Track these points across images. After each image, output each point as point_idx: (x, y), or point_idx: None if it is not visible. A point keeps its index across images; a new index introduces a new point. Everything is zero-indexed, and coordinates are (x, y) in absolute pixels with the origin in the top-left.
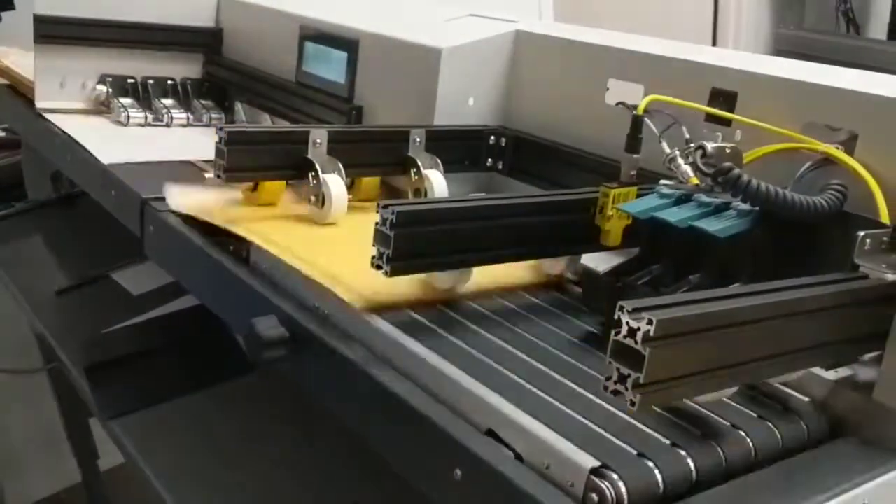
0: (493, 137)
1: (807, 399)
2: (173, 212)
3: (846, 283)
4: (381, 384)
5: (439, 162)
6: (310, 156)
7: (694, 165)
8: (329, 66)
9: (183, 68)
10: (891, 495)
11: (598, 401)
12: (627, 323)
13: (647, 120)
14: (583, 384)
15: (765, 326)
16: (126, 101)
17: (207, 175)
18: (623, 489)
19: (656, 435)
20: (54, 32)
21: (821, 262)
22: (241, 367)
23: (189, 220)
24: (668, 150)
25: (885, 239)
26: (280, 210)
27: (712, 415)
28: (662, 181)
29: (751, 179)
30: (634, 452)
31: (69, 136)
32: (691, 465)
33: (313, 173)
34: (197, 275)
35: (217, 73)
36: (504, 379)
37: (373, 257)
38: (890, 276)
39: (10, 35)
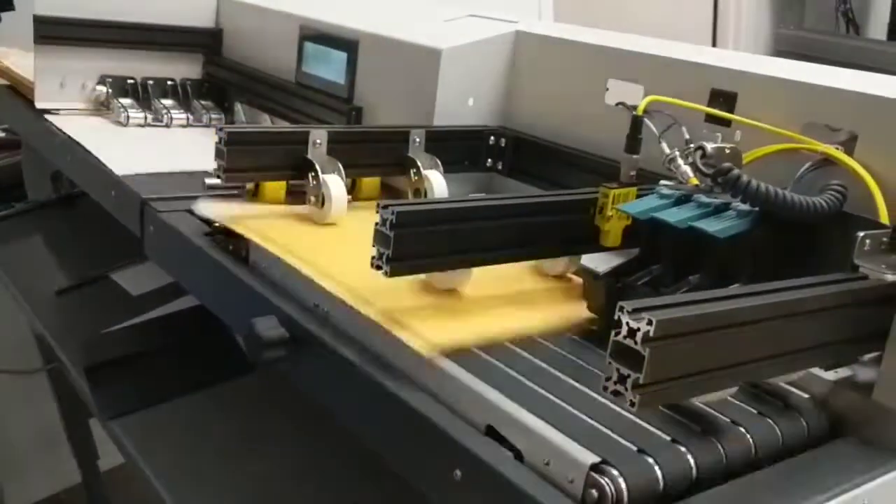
0: (492, 138)
1: (807, 396)
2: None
3: (846, 283)
4: (380, 384)
5: (439, 162)
6: (310, 156)
7: (693, 166)
8: (329, 67)
9: (183, 69)
10: (891, 495)
11: (598, 398)
12: (627, 323)
13: (646, 120)
14: (583, 381)
15: (764, 327)
16: (126, 101)
17: (208, 181)
18: (623, 485)
19: (656, 431)
20: (54, 33)
21: (820, 262)
22: (241, 367)
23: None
24: (667, 150)
25: (884, 239)
26: (312, 227)
27: (712, 411)
28: (662, 182)
29: (750, 180)
30: (634, 449)
31: (79, 144)
32: (691, 461)
33: (313, 174)
34: (197, 275)
35: (217, 74)
36: (503, 376)
37: (372, 257)
38: (889, 277)
39: (10, 35)
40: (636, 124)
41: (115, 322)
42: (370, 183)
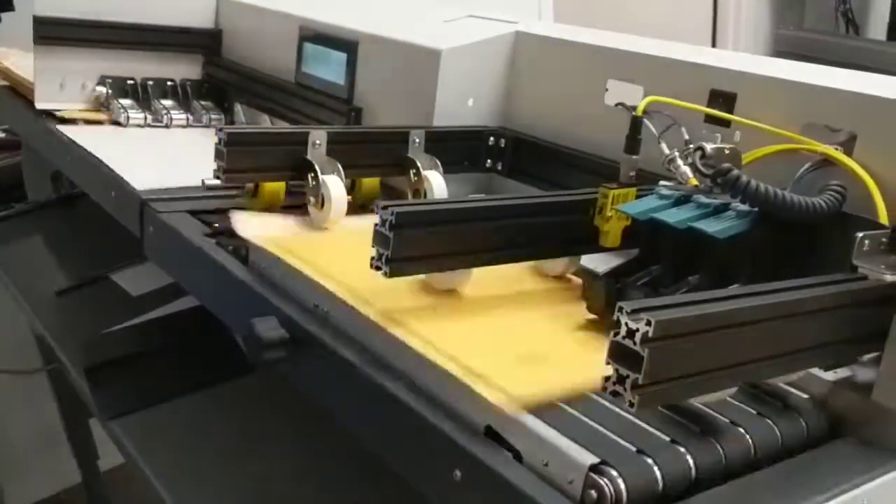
0: (492, 138)
1: (806, 396)
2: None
3: (845, 283)
4: (380, 385)
5: (439, 163)
6: (309, 157)
7: (693, 166)
8: (328, 68)
9: (182, 69)
10: (890, 496)
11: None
12: (626, 324)
13: (646, 121)
14: None
15: (764, 327)
16: (126, 102)
17: (208, 181)
18: (622, 486)
19: (656, 432)
20: (54, 33)
21: (820, 262)
22: (241, 367)
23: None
24: (667, 151)
25: (883, 240)
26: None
27: (711, 412)
28: (662, 182)
29: (750, 180)
30: (634, 449)
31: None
32: (691, 462)
33: (313, 174)
34: (196, 276)
35: (216, 74)
36: None
37: (372, 258)
38: (889, 277)
39: (9, 36)
40: (635, 125)
41: (115, 322)
42: (370, 183)
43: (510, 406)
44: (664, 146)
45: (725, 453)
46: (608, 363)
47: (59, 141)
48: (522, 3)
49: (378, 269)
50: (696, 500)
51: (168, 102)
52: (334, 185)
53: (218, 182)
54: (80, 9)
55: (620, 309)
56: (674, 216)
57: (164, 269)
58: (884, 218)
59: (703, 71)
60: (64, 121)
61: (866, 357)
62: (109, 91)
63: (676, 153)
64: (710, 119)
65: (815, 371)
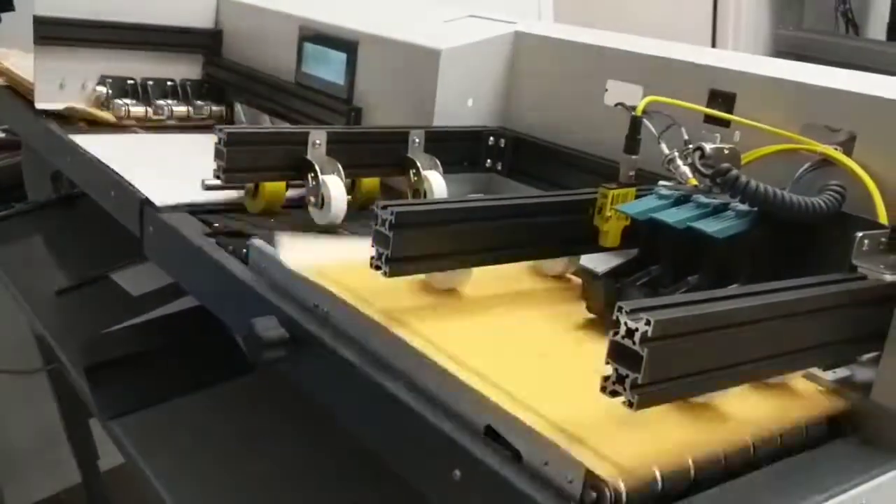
0: (492, 138)
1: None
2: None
3: (844, 283)
4: (380, 385)
5: (438, 163)
6: (309, 157)
7: (692, 166)
8: (328, 68)
9: (183, 69)
10: (889, 495)
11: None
12: (626, 323)
13: (645, 121)
14: None
15: (763, 327)
16: (126, 101)
17: (207, 181)
18: (622, 486)
19: None
20: (54, 33)
21: (819, 262)
22: (241, 367)
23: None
24: (666, 151)
25: (883, 240)
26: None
27: None
28: (661, 182)
29: (749, 180)
30: None
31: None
32: (690, 461)
33: (312, 174)
34: (196, 275)
35: (217, 75)
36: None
37: (371, 258)
38: (888, 277)
39: (9, 36)
40: (635, 125)
41: (115, 322)
42: (370, 183)
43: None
44: (664, 146)
45: (725, 453)
46: (607, 363)
47: (58, 141)
48: (522, 3)
49: (378, 268)
50: (696, 500)
51: (168, 102)
52: (334, 185)
53: (218, 182)
54: (80, 9)
55: (620, 309)
56: (673, 216)
57: (164, 269)
58: (883, 218)
59: (702, 71)
60: (66, 120)
61: (865, 357)
62: (109, 91)
63: (676, 153)
64: (709, 119)
65: (815, 371)
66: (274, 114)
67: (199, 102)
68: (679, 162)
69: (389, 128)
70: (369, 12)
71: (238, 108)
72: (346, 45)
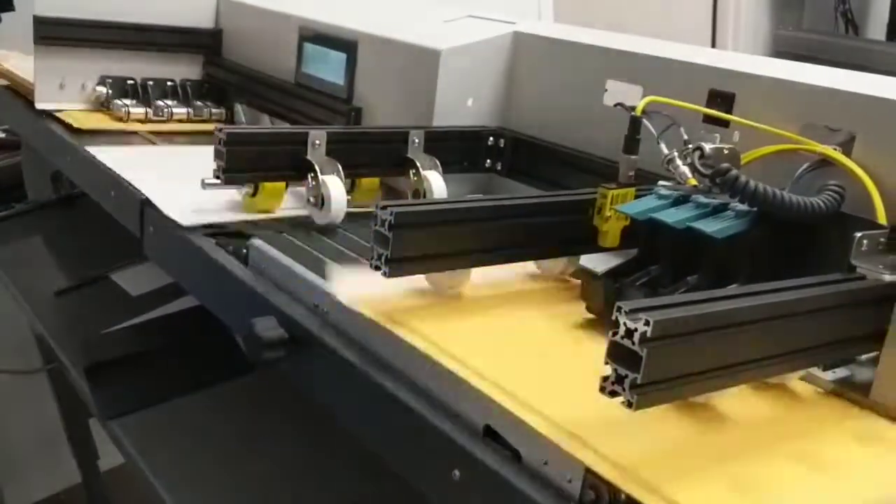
0: (491, 138)
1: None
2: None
3: (843, 283)
4: (380, 385)
5: (438, 163)
6: (309, 157)
7: (692, 166)
8: (328, 68)
9: (183, 69)
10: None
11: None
12: (625, 324)
13: (645, 121)
14: None
15: (762, 327)
16: (126, 101)
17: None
18: (621, 485)
19: None
20: (54, 34)
21: (818, 262)
22: (241, 367)
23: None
24: (666, 151)
25: (882, 240)
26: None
27: None
28: (660, 182)
29: (748, 180)
30: None
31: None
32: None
33: (312, 174)
34: (196, 275)
35: (217, 75)
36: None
37: (371, 258)
38: (887, 277)
39: (9, 36)
40: (634, 125)
41: (115, 322)
42: (370, 183)
43: None
44: (663, 146)
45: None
46: (607, 363)
47: (58, 141)
48: (522, 3)
49: (377, 269)
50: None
51: (168, 102)
52: (334, 185)
53: (218, 182)
54: (80, 9)
55: (619, 309)
56: (672, 216)
57: (164, 269)
58: (882, 218)
59: (701, 71)
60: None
61: (864, 357)
62: (109, 91)
63: (675, 153)
64: (708, 119)
65: (814, 370)
66: (274, 114)
67: (198, 103)
68: (678, 162)
69: (389, 128)
70: (369, 12)
71: (238, 108)
72: (346, 45)
